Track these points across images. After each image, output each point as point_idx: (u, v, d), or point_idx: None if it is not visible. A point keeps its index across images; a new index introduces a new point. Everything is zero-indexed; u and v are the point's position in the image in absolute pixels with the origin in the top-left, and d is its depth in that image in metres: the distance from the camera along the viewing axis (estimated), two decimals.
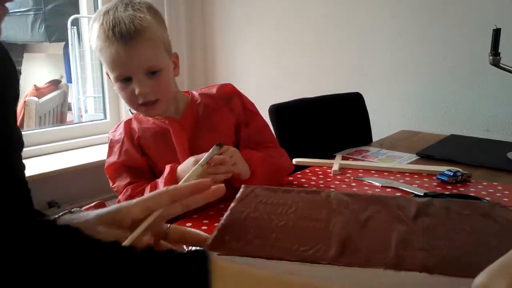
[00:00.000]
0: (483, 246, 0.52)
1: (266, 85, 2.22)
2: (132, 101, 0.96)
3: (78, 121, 2.74)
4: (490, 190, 1.03)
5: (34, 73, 3.88)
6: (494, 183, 1.07)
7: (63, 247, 0.38)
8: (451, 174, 1.08)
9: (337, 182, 1.10)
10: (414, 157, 1.31)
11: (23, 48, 3.61)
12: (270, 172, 1.00)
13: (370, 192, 1.03)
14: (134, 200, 0.56)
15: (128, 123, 1.05)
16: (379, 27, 1.87)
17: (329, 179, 1.12)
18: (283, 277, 0.42)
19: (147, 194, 0.59)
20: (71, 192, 1.97)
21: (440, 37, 1.73)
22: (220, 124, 1.05)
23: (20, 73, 3.51)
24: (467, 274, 0.44)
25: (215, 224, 0.58)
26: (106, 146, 1.06)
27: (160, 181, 0.93)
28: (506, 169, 1.18)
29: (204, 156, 0.84)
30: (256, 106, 1.12)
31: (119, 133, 1.04)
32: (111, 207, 0.56)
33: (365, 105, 1.66)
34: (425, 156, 1.31)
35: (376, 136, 1.66)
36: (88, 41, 2.34)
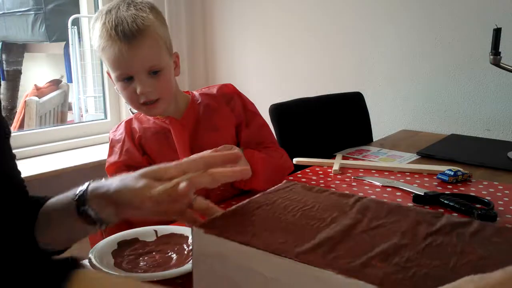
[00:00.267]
0: (478, 272, 0.42)
1: (266, 85, 2.22)
2: (133, 100, 0.96)
3: (79, 121, 2.74)
4: (491, 190, 1.03)
5: (35, 73, 3.89)
6: (495, 183, 1.07)
7: None
8: (452, 173, 1.08)
9: (338, 182, 1.10)
10: (414, 156, 1.32)
11: (23, 47, 3.60)
12: (271, 172, 1.01)
13: (371, 192, 1.03)
14: (171, 163, 0.62)
15: (128, 122, 1.05)
16: (379, 27, 1.87)
17: (330, 179, 1.12)
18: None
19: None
20: None
21: (440, 37, 1.73)
22: (220, 124, 1.05)
23: (21, 73, 3.51)
24: None
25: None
26: (107, 146, 1.06)
27: None
28: (506, 169, 1.18)
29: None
30: (256, 106, 1.12)
31: (120, 133, 1.04)
32: (151, 166, 0.63)
33: (365, 104, 1.66)
34: (426, 155, 1.31)
35: (376, 135, 1.66)
36: (89, 40, 2.36)
